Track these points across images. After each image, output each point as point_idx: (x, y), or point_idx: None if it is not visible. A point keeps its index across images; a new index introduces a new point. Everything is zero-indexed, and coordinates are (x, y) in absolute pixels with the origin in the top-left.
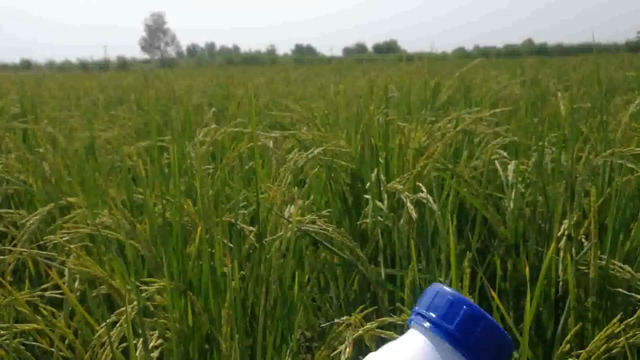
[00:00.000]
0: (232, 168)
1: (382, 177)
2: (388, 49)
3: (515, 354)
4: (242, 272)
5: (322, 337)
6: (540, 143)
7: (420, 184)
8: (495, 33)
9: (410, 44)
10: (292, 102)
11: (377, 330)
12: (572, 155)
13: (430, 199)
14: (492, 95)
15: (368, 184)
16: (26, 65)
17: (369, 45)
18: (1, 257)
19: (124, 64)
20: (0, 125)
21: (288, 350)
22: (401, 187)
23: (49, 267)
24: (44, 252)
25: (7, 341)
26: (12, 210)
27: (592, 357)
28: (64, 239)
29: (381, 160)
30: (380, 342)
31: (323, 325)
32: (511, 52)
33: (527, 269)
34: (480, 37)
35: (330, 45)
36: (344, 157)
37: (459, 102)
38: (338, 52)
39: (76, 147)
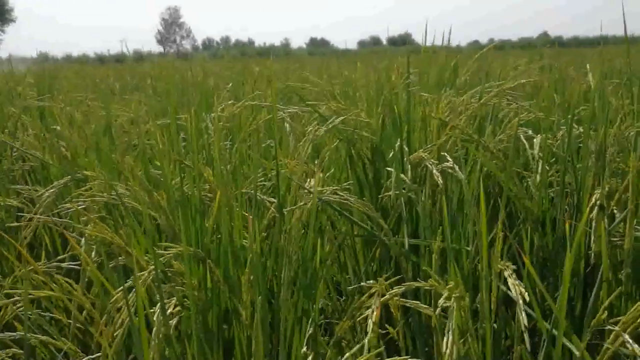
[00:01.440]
0: (249, 146)
1: (405, 148)
2: (403, 42)
3: (547, 325)
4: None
5: (341, 314)
6: (569, 116)
7: (445, 154)
8: (509, 27)
9: (422, 38)
10: (308, 84)
11: (402, 299)
12: (604, 127)
13: (457, 167)
14: (511, 79)
15: (391, 154)
16: (43, 58)
17: (383, 38)
18: (18, 227)
19: (140, 57)
20: (17, 104)
21: (310, 320)
22: (426, 155)
23: (66, 236)
24: (62, 220)
25: (22, 311)
26: (28, 187)
27: (629, 329)
28: (81, 206)
29: (404, 133)
30: None
31: (350, 287)
32: (526, 45)
33: (567, 225)
34: (495, 31)
35: (344, 38)
36: (365, 130)
37: (478, 85)
38: (352, 45)
39: (93, 126)
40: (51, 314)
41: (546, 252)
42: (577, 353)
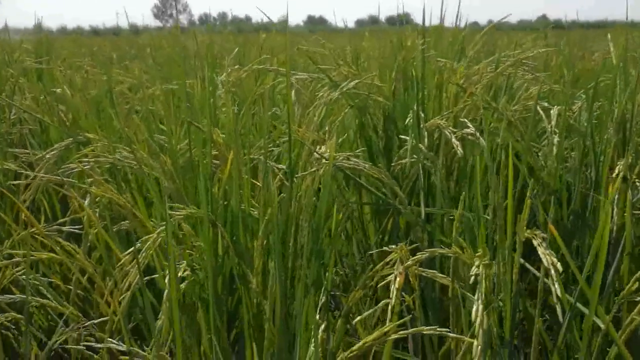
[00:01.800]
0: (254, 112)
1: (422, 115)
2: (402, 22)
3: (570, 297)
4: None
5: (348, 286)
6: (592, 84)
7: (466, 120)
8: (508, 10)
9: (421, 18)
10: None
11: (427, 270)
12: (625, 98)
13: (478, 134)
14: (519, 55)
15: (407, 121)
16: (38, 29)
17: (382, 18)
18: (16, 191)
19: (136, 31)
20: (16, 67)
21: (322, 289)
22: (444, 122)
23: (67, 200)
24: (66, 179)
25: (24, 273)
26: (27, 150)
27: None
28: (85, 167)
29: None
30: None
31: (370, 252)
32: (525, 27)
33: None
34: (493, 13)
35: (343, 16)
36: (377, 94)
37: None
38: (350, 24)
39: (93, 91)
40: (50, 279)
41: (561, 225)
42: (602, 326)
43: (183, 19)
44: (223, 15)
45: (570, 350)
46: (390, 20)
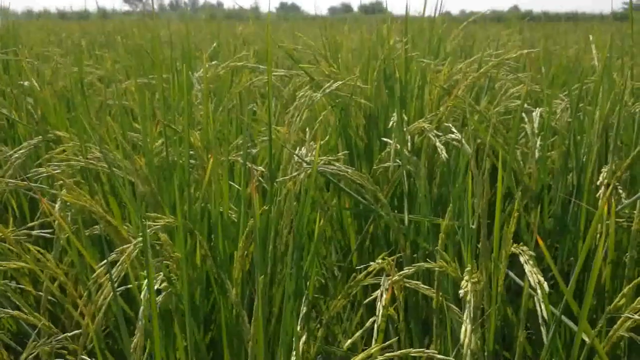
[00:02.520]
0: (231, 109)
1: (404, 117)
2: (374, 10)
3: (555, 310)
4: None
5: (326, 292)
6: (575, 85)
7: (450, 124)
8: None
9: (395, 7)
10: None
11: (410, 281)
12: (609, 103)
13: (463, 140)
14: (498, 49)
15: (391, 124)
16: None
17: (355, 6)
18: None
19: (104, 15)
20: None
21: (304, 299)
22: (429, 126)
23: (36, 201)
24: (34, 185)
25: None
26: None
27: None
28: (55, 171)
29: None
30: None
31: (359, 267)
32: (497, 17)
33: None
34: (465, 2)
35: (316, 3)
36: (359, 96)
37: (464, 54)
38: (323, 11)
39: (63, 83)
40: (19, 285)
41: (541, 228)
42: (588, 340)
43: (153, 4)
44: (194, 2)
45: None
46: (363, 9)
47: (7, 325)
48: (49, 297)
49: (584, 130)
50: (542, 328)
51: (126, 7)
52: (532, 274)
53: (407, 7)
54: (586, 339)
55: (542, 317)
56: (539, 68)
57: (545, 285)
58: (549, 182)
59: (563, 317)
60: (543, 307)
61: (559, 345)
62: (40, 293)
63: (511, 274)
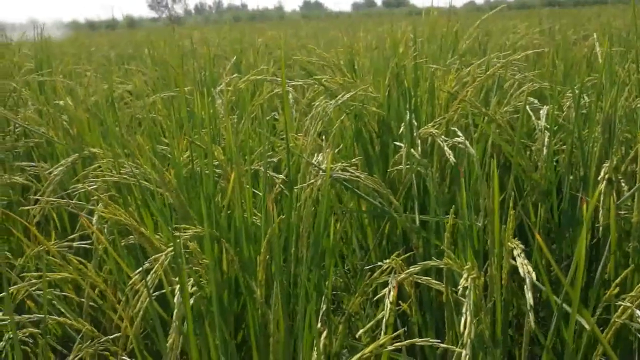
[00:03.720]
0: (254, 119)
1: (415, 123)
2: (398, 4)
3: (557, 299)
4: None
5: (348, 286)
6: (577, 85)
7: (456, 129)
8: None
9: (418, 0)
10: (306, 55)
11: (422, 277)
12: (612, 99)
13: (467, 143)
14: (512, 45)
15: (402, 129)
16: (33, 24)
17: (378, 1)
18: (27, 207)
19: (131, 23)
20: (17, 80)
21: (323, 297)
22: (436, 131)
23: (77, 215)
24: (72, 202)
25: (38, 289)
26: (34, 163)
27: (638, 302)
28: (91, 187)
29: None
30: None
31: (366, 267)
32: (522, 5)
33: (585, 206)
34: None
35: (338, 0)
36: (372, 103)
37: (478, 51)
38: (346, 7)
39: (95, 99)
40: (63, 293)
41: (552, 223)
42: (587, 327)
43: (178, 9)
44: (218, 4)
45: (558, 349)
46: (387, 3)
47: (53, 330)
48: (90, 303)
49: (589, 126)
50: (530, 314)
51: (152, 14)
52: (522, 265)
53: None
54: (585, 325)
55: (530, 304)
56: (553, 63)
57: (534, 274)
58: (557, 179)
59: (564, 305)
60: (530, 294)
61: (564, 335)
62: (82, 300)
63: (514, 262)
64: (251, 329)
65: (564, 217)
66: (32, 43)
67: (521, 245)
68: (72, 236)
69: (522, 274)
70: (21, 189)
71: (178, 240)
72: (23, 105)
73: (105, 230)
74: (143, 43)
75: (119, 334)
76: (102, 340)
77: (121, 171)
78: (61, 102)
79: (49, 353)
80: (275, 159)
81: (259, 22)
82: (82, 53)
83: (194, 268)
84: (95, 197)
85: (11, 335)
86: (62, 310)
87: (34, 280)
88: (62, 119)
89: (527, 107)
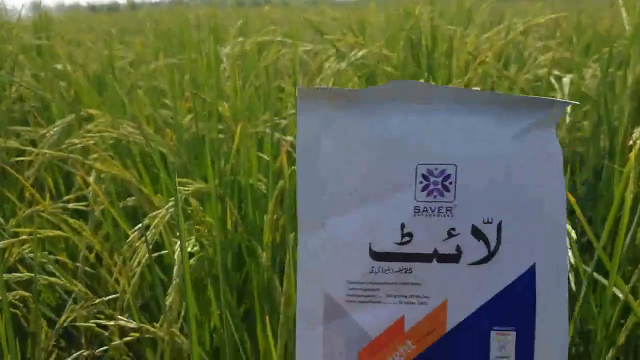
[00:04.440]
0: (257, 87)
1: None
2: None
3: (587, 267)
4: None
5: None
6: (607, 49)
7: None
8: None
9: None
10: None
11: None
12: None
13: None
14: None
15: None
16: (36, 6)
17: None
18: (19, 169)
19: (133, 5)
20: (15, 43)
21: None
22: None
23: (73, 181)
24: (71, 155)
25: (31, 251)
26: (29, 128)
27: None
28: (90, 142)
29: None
30: None
31: None
32: None
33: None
34: None
35: None
36: (385, 64)
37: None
38: None
39: (95, 67)
40: (57, 257)
41: (574, 195)
42: (621, 296)
43: None
44: None
45: (585, 321)
46: None
47: (46, 298)
48: (86, 269)
49: (615, 94)
50: (570, 275)
51: None
52: None
53: None
54: (619, 294)
55: (570, 263)
56: (570, 37)
57: (573, 233)
58: (579, 149)
59: (595, 274)
60: (571, 252)
61: (592, 305)
62: (76, 264)
63: None
64: (255, 299)
65: (587, 187)
66: (32, 20)
67: None
68: (67, 197)
69: None
70: (16, 154)
71: (179, 194)
72: (20, 70)
73: (103, 189)
74: (146, 19)
75: (116, 295)
76: (96, 301)
77: (120, 130)
78: (59, 66)
79: (41, 319)
80: (282, 123)
81: (265, 6)
82: (83, 28)
83: (195, 227)
84: (93, 155)
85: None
86: (57, 274)
87: (24, 237)
88: (60, 85)
89: (551, 76)
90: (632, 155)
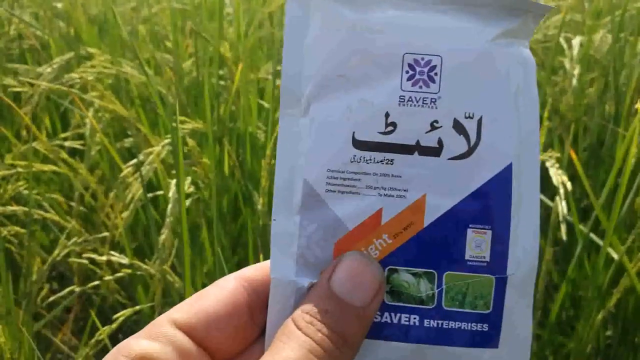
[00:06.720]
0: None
1: None
2: None
3: (583, 227)
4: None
5: None
6: (618, 12)
7: None
8: None
9: None
10: None
11: None
12: None
13: None
14: None
15: None
16: None
17: None
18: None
19: None
20: None
21: None
22: None
23: (69, 120)
24: (70, 89)
25: (26, 188)
26: (27, 66)
27: None
28: (88, 78)
29: None
30: None
31: None
32: None
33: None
34: None
35: None
36: None
37: None
38: None
39: (95, 10)
40: (52, 195)
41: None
42: (616, 257)
43: None
44: None
45: (578, 282)
46: None
47: (40, 239)
48: (81, 208)
49: (624, 59)
50: (561, 226)
51: None
52: (556, 175)
53: None
54: (614, 255)
55: (562, 213)
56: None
57: (569, 184)
58: (584, 112)
59: (591, 235)
60: (564, 203)
61: (587, 267)
62: (71, 204)
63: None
64: (250, 247)
65: (590, 151)
66: None
67: (555, 155)
68: (63, 135)
69: (555, 182)
70: (13, 97)
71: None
72: (18, 7)
73: (100, 127)
74: None
75: (108, 233)
76: (89, 238)
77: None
78: (59, 5)
79: (36, 257)
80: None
81: None
82: None
83: (192, 168)
84: (91, 93)
85: None
86: (50, 210)
87: (19, 170)
88: (60, 25)
89: (561, 37)
90: (637, 119)
